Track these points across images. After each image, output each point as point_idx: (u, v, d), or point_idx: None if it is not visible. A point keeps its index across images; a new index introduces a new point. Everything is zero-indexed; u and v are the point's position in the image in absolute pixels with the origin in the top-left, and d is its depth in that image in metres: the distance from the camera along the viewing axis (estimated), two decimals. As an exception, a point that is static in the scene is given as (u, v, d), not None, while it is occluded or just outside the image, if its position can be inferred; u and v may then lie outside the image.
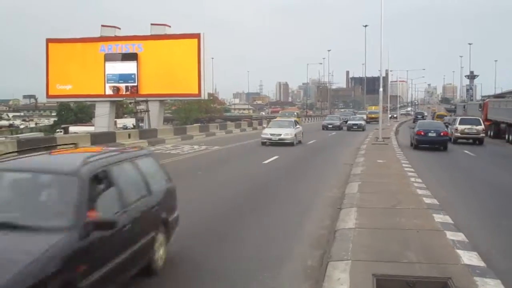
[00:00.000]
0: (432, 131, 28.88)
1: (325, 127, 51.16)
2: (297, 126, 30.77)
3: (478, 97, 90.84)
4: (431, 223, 9.01)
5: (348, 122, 52.90)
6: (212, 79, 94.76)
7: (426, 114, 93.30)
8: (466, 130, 33.33)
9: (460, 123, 34.17)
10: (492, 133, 39.49)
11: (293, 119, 34.61)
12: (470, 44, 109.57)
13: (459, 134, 33.41)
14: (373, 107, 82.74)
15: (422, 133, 28.87)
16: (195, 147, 27.59)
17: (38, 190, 5.47)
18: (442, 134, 28.76)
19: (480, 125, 33.45)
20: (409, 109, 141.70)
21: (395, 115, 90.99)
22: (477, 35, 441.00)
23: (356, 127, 49.34)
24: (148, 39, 40.50)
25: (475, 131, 32.90)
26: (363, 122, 52.04)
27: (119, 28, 42.56)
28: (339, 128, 51.21)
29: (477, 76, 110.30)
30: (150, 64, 40.04)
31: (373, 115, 72.40)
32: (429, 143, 28.52)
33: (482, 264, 6.69)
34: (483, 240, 8.70)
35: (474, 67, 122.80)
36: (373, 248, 7.44)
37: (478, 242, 8.05)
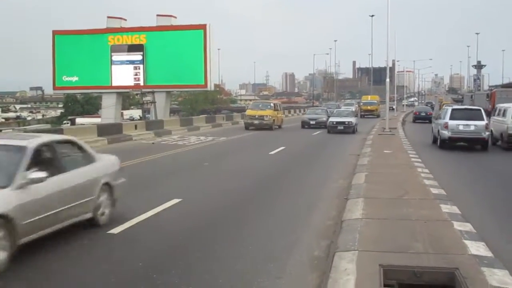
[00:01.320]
0: (423, 112, 51.31)
1: (305, 124, 37.60)
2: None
3: (486, 87, 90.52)
4: (439, 213, 8.98)
5: (330, 119, 34.41)
6: (218, 70, 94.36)
7: (434, 103, 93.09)
8: None
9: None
10: (499, 123, 39.25)
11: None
12: (477, 33, 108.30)
13: None
14: (369, 96, 68.96)
15: (417, 113, 52.34)
16: (202, 138, 27.59)
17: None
18: (428, 114, 49.15)
19: (482, 119, 41.47)
20: (412, 99, 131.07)
21: (393, 106, 69.89)
22: (485, 24, 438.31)
23: (342, 127, 32.22)
24: (154, 30, 40.46)
25: (474, 128, 40.78)
26: (352, 120, 33.38)
27: (125, 20, 42.53)
28: (325, 125, 35.10)
29: (485, 66, 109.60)
30: (156, 55, 40.03)
31: (368, 107, 60.84)
32: (420, 119, 48.80)
33: (489, 254, 6.67)
34: (491, 230, 8.68)
35: (482, 57, 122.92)
36: (380, 238, 7.43)
37: (486, 232, 8.02)
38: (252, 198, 11.64)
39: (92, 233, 8.32)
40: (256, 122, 35.19)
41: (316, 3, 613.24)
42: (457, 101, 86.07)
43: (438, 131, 23.49)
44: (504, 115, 23.66)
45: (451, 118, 22.95)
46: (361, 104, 63.74)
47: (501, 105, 26.39)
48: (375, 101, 62.94)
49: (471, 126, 22.66)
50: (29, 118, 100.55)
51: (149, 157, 18.83)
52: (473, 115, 23.55)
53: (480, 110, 24.34)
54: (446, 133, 22.70)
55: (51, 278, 6.43)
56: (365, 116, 56.20)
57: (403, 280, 6.01)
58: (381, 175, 13.33)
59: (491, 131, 24.08)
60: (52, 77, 42.53)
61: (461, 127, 22.59)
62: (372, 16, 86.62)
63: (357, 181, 12.53)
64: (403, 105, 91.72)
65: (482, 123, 22.92)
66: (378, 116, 56.26)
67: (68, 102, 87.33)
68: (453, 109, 24.34)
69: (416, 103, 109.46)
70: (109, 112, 41.56)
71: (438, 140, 23.42)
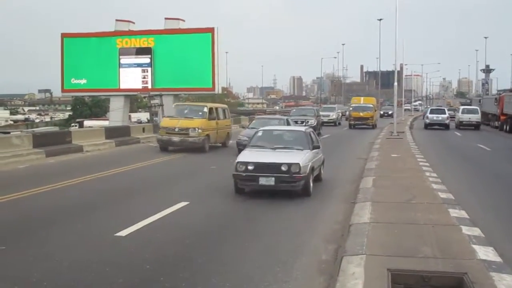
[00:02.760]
0: None
1: (239, 147, 19.29)
2: None
3: (494, 91, 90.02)
4: (447, 218, 8.94)
5: (240, 156, 12.74)
6: (226, 73, 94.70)
7: (443, 107, 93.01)
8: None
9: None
10: (508, 128, 39.04)
11: None
12: (486, 37, 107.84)
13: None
14: (361, 98, 53.20)
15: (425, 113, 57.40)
16: (209, 141, 27.55)
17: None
18: None
19: (445, 114, 47.34)
20: (417, 103, 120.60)
21: (389, 112, 64.63)
22: (493, 28, 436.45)
23: (271, 182, 11.60)
24: (162, 33, 40.53)
25: (445, 116, 49.25)
26: (302, 157, 11.99)
27: (134, 23, 42.62)
28: None
29: (493, 70, 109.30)
30: (164, 58, 40.10)
31: (361, 114, 42.79)
32: None
33: (498, 259, 6.63)
34: (500, 234, 8.63)
35: (490, 61, 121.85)
36: (388, 242, 7.40)
37: (494, 237, 7.98)
38: (259, 201, 11.60)
39: (100, 235, 8.35)
40: (175, 139, 21.59)
41: (323, 7, 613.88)
42: (464, 105, 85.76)
43: (425, 120, 45.00)
44: (458, 112, 46.10)
45: (430, 113, 44.94)
46: (351, 109, 45.67)
47: (459, 107, 55.86)
48: (371, 105, 45.77)
49: (440, 117, 43.18)
50: (37, 121, 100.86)
51: (156, 160, 18.86)
52: (441, 111, 45.24)
53: (444, 109, 49.20)
54: (427, 121, 43.75)
55: (58, 279, 6.44)
56: (356, 127, 41.97)
57: (411, 284, 5.99)
58: (389, 179, 13.29)
59: (455, 120, 45.00)
60: (61, 80, 42.62)
61: (434, 118, 43.34)
62: (380, 20, 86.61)
63: (365, 185, 12.50)
64: (405, 109, 78.04)
65: (445, 115, 43.52)
66: (374, 126, 42.32)
67: (76, 104, 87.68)
68: (431, 109, 49.76)
69: (421, 108, 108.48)
70: (117, 115, 41.63)
71: (424, 125, 44.16)
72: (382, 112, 64.44)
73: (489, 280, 5.83)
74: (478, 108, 45.57)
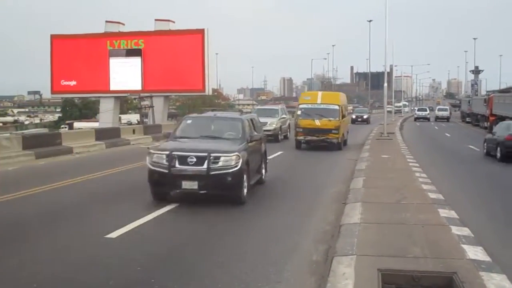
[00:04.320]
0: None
1: None
2: None
3: (483, 92, 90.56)
4: (436, 218, 9.00)
5: None
6: (216, 74, 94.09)
7: (432, 107, 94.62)
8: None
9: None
10: (497, 128, 39.30)
11: None
12: (475, 39, 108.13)
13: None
14: (319, 93, 28.19)
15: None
16: (200, 142, 27.47)
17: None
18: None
19: (427, 111, 72.82)
20: (400, 104, 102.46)
21: (364, 116, 55.51)
22: (482, 30, 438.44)
23: None
24: (153, 35, 40.48)
25: (427, 113, 71.60)
26: None
27: (123, 24, 42.54)
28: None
29: (482, 71, 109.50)
30: (155, 60, 40.04)
31: (316, 123, 23.58)
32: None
33: (487, 258, 6.69)
34: (489, 234, 8.69)
35: (479, 62, 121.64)
36: (378, 243, 7.44)
37: (484, 237, 8.03)
38: (250, 202, 11.61)
39: (91, 237, 8.32)
40: None
41: (314, 8, 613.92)
42: (454, 106, 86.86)
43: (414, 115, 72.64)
44: (435, 110, 72.66)
45: (417, 111, 73.60)
46: (299, 113, 24.78)
47: (437, 106, 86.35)
48: (335, 107, 24.40)
49: (423, 113, 69.74)
50: (26, 122, 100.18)
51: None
52: (424, 110, 73.64)
53: (426, 108, 78.85)
54: (415, 116, 70.99)
55: (50, 281, 6.42)
56: (311, 143, 24.29)
57: (401, 284, 6.03)
58: (379, 180, 13.35)
59: (434, 115, 68.04)
60: (50, 81, 42.50)
61: (420, 113, 69.99)
62: (370, 21, 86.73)
63: (355, 186, 12.55)
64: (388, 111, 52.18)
65: (427, 112, 71.39)
66: (340, 144, 24.08)
67: (66, 106, 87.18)
68: (418, 108, 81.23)
69: (406, 109, 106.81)
70: (107, 116, 41.53)
71: (414, 118, 69.52)
72: (354, 116, 51.60)
73: (478, 280, 5.88)
74: (448, 107, 77.23)
